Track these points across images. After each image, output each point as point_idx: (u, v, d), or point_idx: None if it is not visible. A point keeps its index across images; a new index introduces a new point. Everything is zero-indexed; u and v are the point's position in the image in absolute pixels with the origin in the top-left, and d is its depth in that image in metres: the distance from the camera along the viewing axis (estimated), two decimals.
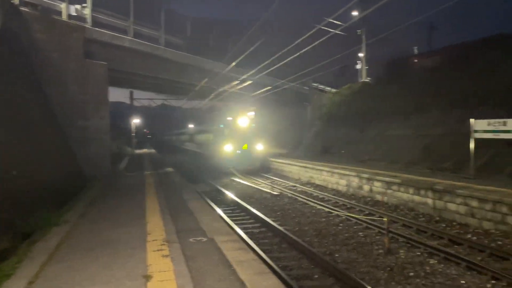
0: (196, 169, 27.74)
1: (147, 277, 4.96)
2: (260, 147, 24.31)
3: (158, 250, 6.05)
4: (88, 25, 19.17)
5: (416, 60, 30.09)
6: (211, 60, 27.23)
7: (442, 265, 7.70)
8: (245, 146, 23.98)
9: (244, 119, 24.56)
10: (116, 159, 24.41)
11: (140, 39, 23.10)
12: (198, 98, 36.26)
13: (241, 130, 24.33)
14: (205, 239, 6.69)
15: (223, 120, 26.07)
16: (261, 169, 24.52)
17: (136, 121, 44.07)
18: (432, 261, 7.95)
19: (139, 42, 22.24)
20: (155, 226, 7.63)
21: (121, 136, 42.68)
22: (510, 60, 17.19)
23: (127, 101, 44.08)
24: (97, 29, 19.55)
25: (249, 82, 23.05)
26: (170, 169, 20.97)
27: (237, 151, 23.76)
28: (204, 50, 29.98)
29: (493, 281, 6.88)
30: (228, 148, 23.56)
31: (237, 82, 23.65)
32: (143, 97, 48.33)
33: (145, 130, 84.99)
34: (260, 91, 27.39)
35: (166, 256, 5.77)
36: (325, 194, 16.07)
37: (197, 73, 25.47)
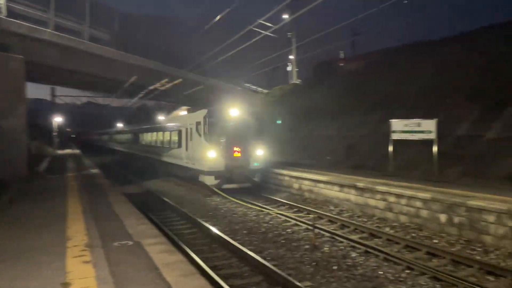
0: (125, 170, 26.75)
1: (66, 285, 4.67)
2: (260, 153, 16.44)
3: (79, 256, 5.72)
4: (3, 15, 17.63)
5: (342, 64, 31.63)
6: (140, 56, 26.40)
7: (363, 258, 8.19)
8: (237, 151, 16.03)
9: (237, 110, 16.49)
10: (35, 160, 22.67)
11: (63, 32, 21.75)
12: (127, 96, 34.91)
13: (232, 128, 16.29)
14: (131, 243, 6.46)
15: (201, 112, 17.06)
16: (261, 186, 16.93)
17: (58, 119, 41.32)
18: (354, 254, 8.42)
19: (61, 35, 20.93)
20: (77, 231, 7.21)
21: (42, 136, 39.78)
22: (425, 66, 18.75)
23: (49, 98, 41.25)
24: (13, 20, 18.05)
25: (179, 80, 22.62)
26: (96, 171, 19.95)
27: (225, 159, 15.80)
28: (133, 46, 28.98)
29: (407, 271, 7.45)
30: (211, 155, 15.59)
31: (166, 80, 23.03)
32: (66, 94, 45.24)
33: (67, 129, 79.94)
34: (192, 90, 27.08)
35: (88, 262, 5.48)
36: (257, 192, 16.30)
37: (126, 70, 24.54)
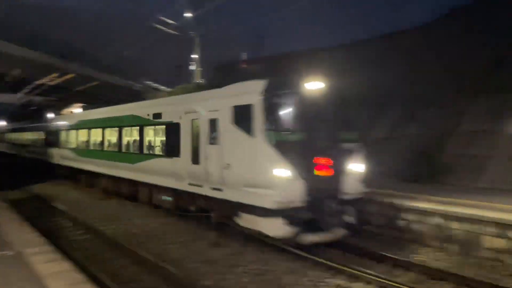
0: (8, 171, 24.10)
1: None
2: (361, 168, 8.71)
3: None
4: None
5: (244, 65, 32.24)
6: (30, 48, 23.89)
7: (259, 253, 8.51)
8: (326, 166, 7.99)
9: (322, 84, 8.69)
10: None
11: None
12: (10, 91, 31.36)
13: (317, 118, 8.23)
14: (10, 253, 5.85)
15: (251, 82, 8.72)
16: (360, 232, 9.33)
17: None
18: (251, 250, 8.68)
19: None
20: None
21: None
22: (320, 71, 20.08)
23: None
24: None
25: (72, 75, 21.03)
26: None
27: (306, 182, 7.68)
28: (20, 36, 26.14)
29: (299, 261, 7.92)
30: (281, 173, 7.51)
31: (56, 74, 21.21)
32: None
33: None
34: (86, 85, 25.36)
35: None
36: None
37: (6, 61, 21.98)
